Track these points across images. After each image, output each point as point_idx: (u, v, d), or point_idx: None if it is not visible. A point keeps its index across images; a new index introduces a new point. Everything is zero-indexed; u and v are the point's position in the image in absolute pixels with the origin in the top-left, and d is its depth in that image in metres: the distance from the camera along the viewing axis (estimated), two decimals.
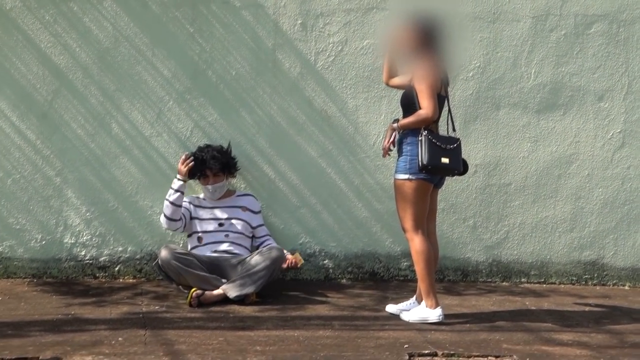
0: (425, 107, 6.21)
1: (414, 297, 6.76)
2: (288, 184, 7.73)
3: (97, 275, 7.59)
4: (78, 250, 7.57)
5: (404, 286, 7.67)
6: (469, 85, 7.86)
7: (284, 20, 7.62)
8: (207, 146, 7.21)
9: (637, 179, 8.03)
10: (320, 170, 7.74)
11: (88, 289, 7.26)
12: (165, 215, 7.06)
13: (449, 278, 7.94)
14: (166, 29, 7.52)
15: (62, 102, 7.42)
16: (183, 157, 7.05)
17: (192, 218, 7.22)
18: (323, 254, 7.85)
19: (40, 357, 5.26)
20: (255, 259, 6.88)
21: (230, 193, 7.29)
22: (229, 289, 6.75)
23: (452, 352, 5.71)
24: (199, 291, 6.69)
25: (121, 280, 7.58)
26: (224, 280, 6.90)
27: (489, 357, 5.70)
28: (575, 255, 8.03)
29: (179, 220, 7.08)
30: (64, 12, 7.35)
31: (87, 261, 7.59)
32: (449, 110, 6.62)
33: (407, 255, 7.65)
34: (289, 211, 7.76)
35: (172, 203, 6.97)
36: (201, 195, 7.32)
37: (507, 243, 7.97)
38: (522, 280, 8.01)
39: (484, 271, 7.98)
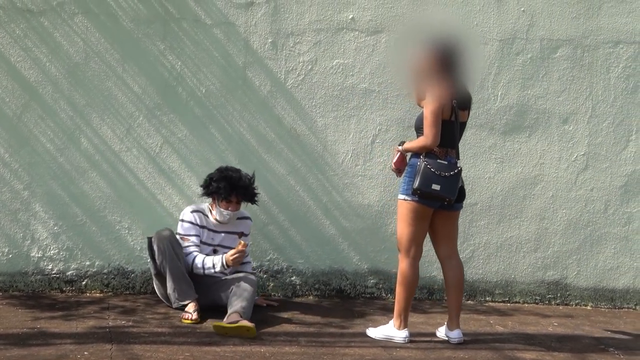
0: (426, 135, 6.23)
1: (446, 323, 6.70)
2: (259, 203, 7.60)
3: (64, 289, 7.51)
4: (45, 264, 7.50)
5: (370, 303, 7.72)
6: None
7: (255, 39, 7.64)
8: (238, 171, 7.00)
9: (600, 201, 8.10)
10: (288, 187, 7.74)
11: (55, 302, 7.19)
12: (192, 269, 6.86)
13: (415, 296, 7.70)
14: (137, 45, 7.50)
15: (32, 116, 7.37)
16: (240, 250, 6.73)
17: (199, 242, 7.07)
18: (290, 270, 7.84)
19: None
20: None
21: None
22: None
23: None
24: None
25: (88, 294, 7.51)
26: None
27: None
28: (539, 275, 8.08)
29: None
30: (35, 27, 7.34)
31: (54, 275, 7.52)
32: (459, 135, 6.55)
33: (374, 272, 7.91)
34: (257, 227, 7.65)
35: (204, 273, 6.84)
36: (207, 211, 7.07)
37: (473, 262, 7.99)
38: (487, 299, 8.05)
39: (444, 289, 7.76)
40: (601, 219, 8.12)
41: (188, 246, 6.86)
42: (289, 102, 7.74)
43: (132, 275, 7.62)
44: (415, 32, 7.69)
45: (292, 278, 7.85)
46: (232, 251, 6.68)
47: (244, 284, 6.72)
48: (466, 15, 7.86)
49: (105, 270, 7.58)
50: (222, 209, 6.84)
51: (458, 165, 6.40)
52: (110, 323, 6.57)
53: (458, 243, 7.68)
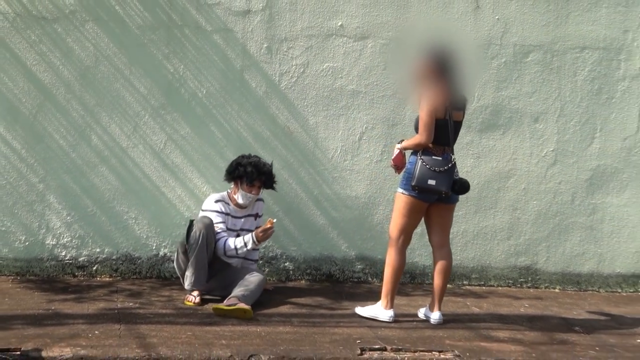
0: (420, 133, 6.31)
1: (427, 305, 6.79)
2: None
3: (76, 274, 7.52)
4: (59, 250, 7.50)
5: (357, 287, 7.75)
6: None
7: (251, 44, 7.62)
8: (259, 158, 7.06)
9: (568, 193, 8.14)
10: (282, 180, 7.61)
11: (68, 286, 7.18)
12: (225, 252, 6.81)
13: (400, 281, 7.60)
14: (143, 50, 7.48)
15: (46, 115, 7.36)
16: (269, 227, 6.74)
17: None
18: (284, 257, 7.85)
19: (22, 349, 5.28)
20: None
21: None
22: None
23: (399, 347, 5.78)
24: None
25: (98, 278, 7.51)
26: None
27: (433, 352, 5.80)
28: (512, 261, 8.11)
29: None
30: (49, 33, 7.31)
31: (67, 261, 7.53)
32: (454, 133, 6.55)
33: (361, 259, 7.92)
34: None
35: (237, 253, 6.82)
36: (227, 199, 7.01)
37: (451, 249, 7.60)
38: (464, 282, 8.07)
39: (429, 274, 7.76)
40: (568, 210, 8.16)
41: (218, 232, 6.83)
42: (283, 103, 7.72)
43: (139, 261, 7.61)
44: (398, 38, 7.81)
45: (286, 264, 7.85)
46: (262, 227, 6.72)
47: (250, 278, 6.74)
48: (445, 23, 7.84)
49: (114, 257, 7.59)
50: (246, 192, 6.85)
51: (452, 160, 6.43)
52: (118, 305, 6.61)
53: None
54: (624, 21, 8.12)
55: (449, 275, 6.78)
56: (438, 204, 6.52)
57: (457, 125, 6.60)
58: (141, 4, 7.41)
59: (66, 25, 7.35)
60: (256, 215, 7.09)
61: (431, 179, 6.28)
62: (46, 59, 7.34)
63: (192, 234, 6.63)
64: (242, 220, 6.98)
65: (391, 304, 6.62)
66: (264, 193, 7.23)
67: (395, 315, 6.58)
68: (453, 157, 6.52)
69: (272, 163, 7.10)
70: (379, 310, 6.62)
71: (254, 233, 6.72)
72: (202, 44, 7.57)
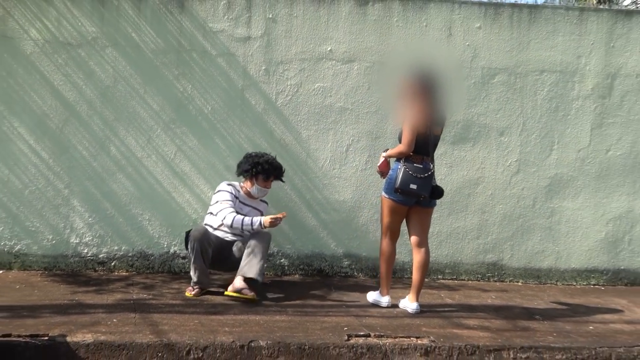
0: (403, 143, 6.45)
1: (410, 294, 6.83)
2: None
3: (97, 269, 7.60)
4: (81, 248, 7.58)
5: (344, 281, 7.79)
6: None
7: (251, 67, 7.68)
8: (270, 155, 7.12)
9: (529, 198, 8.15)
10: (278, 186, 7.54)
11: (89, 280, 7.25)
12: (230, 224, 6.82)
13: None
14: (156, 72, 7.55)
15: (71, 128, 7.45)
16: (279, 217, 6.75)
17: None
18: (280, 254, 7.89)
19: (50, 334, 5.35)
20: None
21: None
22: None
23: (382, 334, 5.85)
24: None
25: (116, 273, 7.59)
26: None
27: (411, 338, 5.82)
28: (480, 258, 8.16)
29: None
30: (74, 57, 7.40)
31: (89, 257, 7.61)
32: (433, 145, 6.65)
33: (348, 256, 7.92)
34: None
35: (242, 229, 6.87)
36: (237, 187, 7.09)
37: (428, 247, 7.63)
38: (439, 277, 8.10)
39: (408, 270, 7.86)
40: (530, 213, 8.17)
41: (225, 208, 6.84)
42: (279, 118, 7.77)
43: (152, 257, 7.68)
44: (381, 61, 7.85)
45: (282, 260, 7.91)
46: (274, 215, 6.72)
47: (253, 242, 6.75)
48: (422, 48, 7.86)
49: (130, 254, 7.66)
50: (261, 187, 6.95)
51: (431, 168, 6.55)
52: (134, 296, 6.66)
53: None
54: (577, 48, 8.11)
55: (427, 270, 6.78)
56: (417, 208, 6.62)
57: (436, 138, 6.69)
58: (154, 30, 7.47)
59: (88, 50, 7.43)
60: (261, 213, 7.07)
61: (413, 183, 6.41)
62: (71, 79, 7.42)
63: (190, 244, 6.70)
64: (249, 208, 7.01)
65: (387, 291, 6.81)
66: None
67: (373, 306, 6.72)
68: (432, 166, 6.60)
69: (275, 157, 7.17)
70: (378, 297, 6.83)
71: (263, 218, 6.71)
72: (208, 66, 7.62)
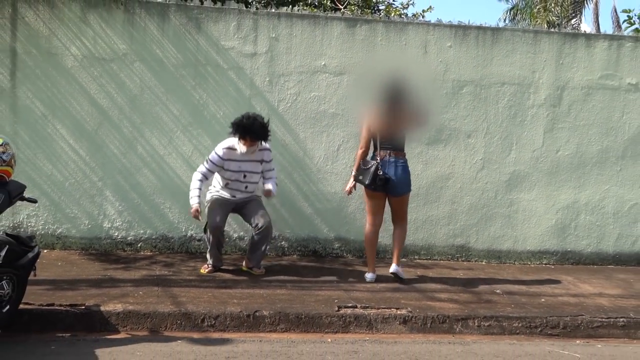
0: (360, 145, 6.97)
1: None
2: (257, 190, 7.44)
3: (125, 249, 7.60)
4: (113, 231, 7.59)
5: (335, 261, 7.78)
6: None
7: (257, 78, 7.66)
8: (254, 119, 6.62)
9: (492, 191, 8.17)
10: (280, 180, 7.50)
11: (119, 258, 7.28)
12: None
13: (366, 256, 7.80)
14: (176, 82, 7.53)
15: (104, 130, 7.44)
16: (194, 214, 6.66)
17: (224, 170, 6.74)
18: (281, 237, 7.87)
19: (86, 304, 5.45)
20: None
21: (255, 149, 6.78)
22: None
23: (367, 305, 5.93)
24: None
25: (142, 253, 7.58)
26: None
27: (392, 309, 5.92)
28: (451, 241, 8.17)
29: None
30: (107, 70, 7.40)
31: (119, 239, 7.61)
32: (387, 142, 6.85)
33: (338, 239, 7.96)
34: None
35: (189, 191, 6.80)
36: (236, 147, 6.72)
37: (407, 231, 7.55)
38: (415, 257, 8.08)
39: (390, 251, 7.71)
40: (492, 203, 8.19)
41: (203, 169, 6.76)
42: (281, 122, 7.73)
43: (172, 240, 7.67)
44: (367, 74, 7.80)
45: (282, 242, 7.89)
46: (194, 212, 6.61)
47: (258, 239, 6.79)
48: (402, 64, 7.75)
49: (153, 237, 7.66)
50: (241, 145, 6.60)
51: (374, 162, 6.76)
52: (157, 273, 6.72)
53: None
54: (532, 64, 8.14)
55: (403, 241, 7.03)
56: (390, 196, 6.89)
57: (395, 136, 6.84)
58: (175, 48, 7.46)
59: (119, 64, 7.43)
60: (262, 161, 6.81)
61: (360, 175, 6.84)
62: (104, 89, 7.41)
63: (207, 235, 6.86)
64: (248, 163, 6.70)
65: (372, 268, 6.96)
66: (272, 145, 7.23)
67: (359, 282, 6.79)
68: (377, 160, 6.76)
69: (267, 120, 6.74)
70: (367, 274, 6.99)
71: (194, 206, 6.64)
72: (220, 78, 7.61)
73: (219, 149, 6.75)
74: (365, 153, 6.89)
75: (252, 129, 6.56)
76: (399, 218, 7.06)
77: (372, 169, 6.71)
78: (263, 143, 6.83)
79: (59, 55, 7.37)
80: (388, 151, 6.79)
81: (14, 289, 5.17)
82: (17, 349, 4.90)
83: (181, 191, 7.58)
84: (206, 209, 6.92)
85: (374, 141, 6.86)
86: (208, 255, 6.93)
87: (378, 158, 6.77)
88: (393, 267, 6.93)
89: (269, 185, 6.93)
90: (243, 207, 6.94)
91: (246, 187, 6.84)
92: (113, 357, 4.78)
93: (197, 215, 6.65)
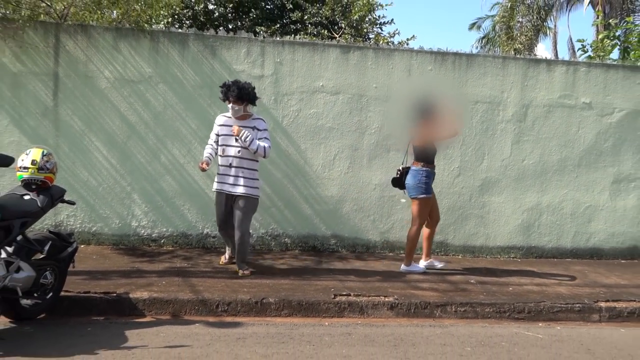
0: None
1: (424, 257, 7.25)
2: (265, 194, 7.52)
3: (150, 245, 7.62)
4: (139, 229, 7.61)
5: (331, 255, 7.75)
6: (372, 138, 7.91)
7: (264, 97, 7.61)
8: (236, 82, 6.36)
9: (467, 194, 8.17)
10: (283, 185, 7.75)
11: (145, 252, 7.32)
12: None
13: (359, 250, 7.99)
14: (194, 101, 7.55)
15: (132, 142, 7.47)
16: (202, 165, 6.36)
17: (220, 135, 6.43)
18: (284, 234, 7.87)
19: (117, 292, 5.50)
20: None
21: (247, 116, 6.38)
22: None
23: (359, 294, 5.96)
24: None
25: (164, 248, 7.60)
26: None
27: (380, 297, 5.93)
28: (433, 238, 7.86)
29: (211, 162, 6.51)
30: (135, 90, 7.43)
31: (145, 236, 7.64)
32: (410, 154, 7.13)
33: (334, 236, 7.99)
34: (265, 209, 7.64)
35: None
36: (228, 114, 6.43)
37: (393, 230, 8.03)
38: (401, 252, 7.91)
39: (378, 246, 8.03)
40: (467, 205, 8.20)
41: (209, 140, 6.61)
42: (284, 135, 7.76)
43: (190, 237, 7.67)
44: (359, 93, 7.85)
45: (285, 239, 7.88)
46: (200, 164, 6.35)
47: (237, 247, 6.45)
48: (388, 84, 7.90)
49: (174, 234, 7.67)
50: (229, 106, 6.32)
51: (399, 169, 7.12)
52: (177, 265, 6.75)
53: (384, 219, 7.92)
54: (501, 85, 8.16)
55: (408, 241, 7.06)
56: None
57: (413, 148, 7.06)
58: (193, 71, 7.50)
59: (146, 85, 7.46)
60: (254, 128, 6.34)
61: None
62: (133, 107, 7.45)
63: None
64: (242, 129, 6.26)
65: (411, 261, 7.13)
66: (268, 118, 7.36)
67: (353, 273, 6.74)
68: (401, 167, 7.10)
69: (251, 86, 6.43)
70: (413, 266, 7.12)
71: (204, 160, 6.42)
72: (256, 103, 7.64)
73: (217, 117, 6.64)
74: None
75: (232, 89, 6.27)
76: (413, 218, 7.11)
77: (398, 175, 7.16)
78: (251, 109, 6.55)
79: (94, 78, 7.41)
80: (413, 160, 7.07)
81: (56, 279, 5.27)
82: (58, 330, 4.96)
83: (198, 194, 7.65)
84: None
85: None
86: (225, 248, 6.97)
87: (400, 167, 7.22)
88: (422, 264, 7.26)
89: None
90: (233, 206, 6.45)
91: (239, 152, 6.35)
92: (140, 338, 4.83)
93: (202, 167, 6.37)
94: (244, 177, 6.38)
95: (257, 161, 6.51)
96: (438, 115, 6.97)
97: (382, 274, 6.88)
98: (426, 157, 6.95)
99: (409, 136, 7.19)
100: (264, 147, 6.36)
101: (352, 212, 7.97)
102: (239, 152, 6.36)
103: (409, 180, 6.96)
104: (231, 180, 6.39)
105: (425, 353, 4.84)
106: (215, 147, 6.55)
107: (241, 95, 6.28)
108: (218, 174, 6.49)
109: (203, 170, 6.42)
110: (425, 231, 7.20)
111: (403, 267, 7.09)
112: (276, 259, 7.36)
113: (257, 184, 6.51)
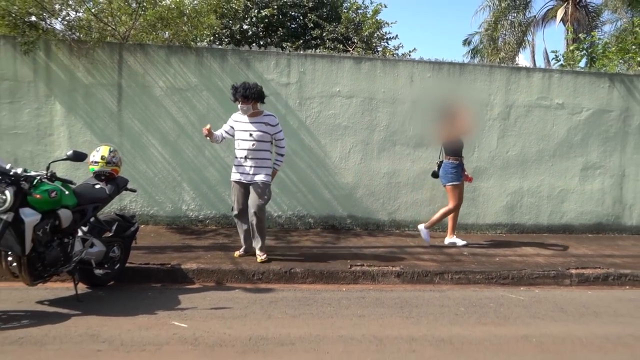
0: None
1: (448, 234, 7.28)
2: (292, 181, 7.70)
3: (197, 225, 7.65)
4: (188, 212, 7.63)
5: (347, 233, 7.72)
6: (380, 134, 7.86)
7: (290, 101, 7.66)
8: (243, 84, 5.90)
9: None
10: (307, 174, 7.73)
11: (193, 231, 7.34)
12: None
13: (370, 228, 7.95)
14: (232, 105, 6.94)
15: (182, 140, 7.48)
16: (205, 128, 5.94)
17: (235, 130, 6.00)
18: (308, 215, 7.83)
19: (171, 264, 5.56)
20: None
21: (258, 113, 5.94)
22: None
23: (371, 264, 5.97)
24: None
25: (209, 227, 7.61)
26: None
27: (389, 266, 5.95)
28: (431, 217, 7.60)
29: (218, 140, 6.08)
30: (183, 97, 7.44)
31: (193, 218, 7.65)
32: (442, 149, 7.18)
33: (350, 217, 7.92)
34: (292, 194, 7.70)
35: (214, 140, 6.04)
36: (239, 113, 5.97)
37: (399, 211, 7.98)
38: (405, 229, 8.00)
39: (387, 225, 7.99)
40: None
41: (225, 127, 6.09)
42: (307, 132, 7.75)
43: (230, 218, 7.54)
44: (369, 97, 7.80)
45: (309, 219, 7.86)
46: (204, 129, 5.90)
47: (253, 226, 5.95)
48: (394, 89, 7.83)
49: (217, 215, 7.69)
50: (239, 106, 5.89)
51: (437, 163, 7.22)
52: (220, 241, 6.78)
53: (391, 201, 7.75)
54: (488, 89, 8.08)
55: (448, 214, 7.16)
56: None
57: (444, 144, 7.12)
58: (231, 80, 7.39)
59: (192, 92, 7.48)
60: (267, 124, 5.91)
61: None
62: (181, 110, 7.47)
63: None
64: (252, 124, 5.86)
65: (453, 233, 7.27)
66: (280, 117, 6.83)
67: (366, 247, 6.71)
68: (439, 159, 7.18)
69: (258, 86, 5.92)
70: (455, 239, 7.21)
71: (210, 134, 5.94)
72: (265, 101, 7.51)
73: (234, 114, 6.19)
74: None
75: (239, 89, 5.84)
76: (448, 200, 7.17)
77: (438, 166, 7.21)
78: (260, 106, 6.03)
79: (151, 87, 7.44)
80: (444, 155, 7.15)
81: (122, 253, 5.34)
82: (124, 295, 5.02)
83: None
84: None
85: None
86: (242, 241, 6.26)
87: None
88: (446, 240, 7.29)
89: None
90: (249, 194, 6.00)
91: (253, 145, 5.89)
92: (191, 301, 4.88)
93: (205, 130, 5.92)
94: (258, 167, 5.91)
95: (269, 151, 6.04)
96: (457, 116, 7.06)
97: (390, 248, 6.86)
98: (453, 152, 7.02)
99: (439, 136, 7.25)
100: (284, 147, 6.09)
101: (365, 196, 7.95)
102: (253, 145, 5.90)
103: (441, 171, 7.06)
104: (247, 169, 5.92)
105: (426, 313, 4.86)
106: (225, 134, 6.12)
107: (247, 94, 5.83)
108: (235, 165, 6.02)
109: (205, 133, 5.94)
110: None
111: (452, 240, 7.25)
112: (301, 236, 7.35)
113: (269, 172, 6.01)
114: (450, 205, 7.06)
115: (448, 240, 7.22)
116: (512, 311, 5.06)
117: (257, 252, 6.02)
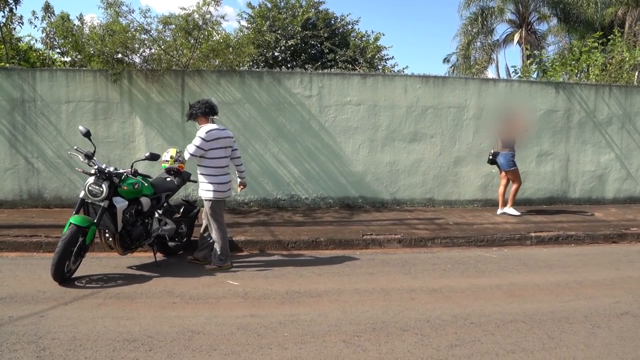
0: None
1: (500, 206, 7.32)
2: (315, 171, 7.60)
3: (243, 207, 7.59)
4: (237, 197, 7.55)
5: (359, 210, 7.54)
6: (382, 133, 7.75)
7: (312, 108, 7.56)
8: (198, 102, 4.65)
9: (445, 167, 7.91)
10: (326, 165, 7.62)
11: (240, 212, 7.30)
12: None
13: (377, 206, 7.85)
14: (268, 113, 7.46)
15: (241, 141, 7.46)
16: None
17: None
18: (328, 197, 7.73)
19: (234, 239, 5.25)
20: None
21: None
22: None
23: (378, 234, 5.92)
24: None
25: (253, 209, 7.53)
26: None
27: (391, 235, 5.89)
28: (424, 195, 7.93)
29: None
30: (232, 109, 7.38)
31: (240, 201, 7.59)
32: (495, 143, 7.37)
33: (361, 197, 7.80)
34: (315, 180, 7.61)
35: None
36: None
37: (399, 192, 7.86)
38: (404, 206, 7.88)
39: (389, 203, 7.88)
40: (446, 174, 7.96)
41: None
42: (326, 133, 7.63)
43: (269, 200, 7.60)
44: (374, 104, 7.68)
45: (329, 200, 7.74)
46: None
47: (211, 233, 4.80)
48: (392, 97, 7.71)
49: (258, 199, 7.62)
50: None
51: (491, 152, 7.29)
52: (261, 219, 6.76)
53: (392, 184, 7.60)
54: (465, 95, 7.89)
55: (514, 193, 7.24)
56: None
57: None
58: (266, 94, 7.41)
59: (237, 105, 7.43)
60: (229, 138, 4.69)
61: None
62: (231, 120, 7.42)
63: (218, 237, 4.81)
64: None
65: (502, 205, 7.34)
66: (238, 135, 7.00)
67: (379, 221, 6.60)
68: (493, 150, 7.27)
69: (198, 103, 4.60)
70: (512, 210, 7.21)
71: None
72: (292, 110, 7.52)
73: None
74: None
75: (190, 105, 4.71)
76: (510, 180, 7.26)
77: (493, 155, 7.28)
78: (211, 120, 4.66)
79: (226, 103, 7.43)
80: (501, 146, 7.22)
81: (188, 229, 5.39)
82: (189, 263, 5.06)
83: (272, 173, 7.60)
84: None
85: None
86: (223, 257, 4.68)
87: (492, 149, 7.42)
88: (499, 211, 7.31)
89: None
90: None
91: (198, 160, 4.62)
92: (241, 265, 4.91)
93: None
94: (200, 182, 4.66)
95: (201, 165, 4.62)
96: (516, 120, 7.26)
97: (393, 220, 6.78)
98: (509, 144, 7.16)
99: (498, 133, 7.38)
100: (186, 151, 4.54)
101: (372, 181, 7.88)
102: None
103: (501, 160, 7.12)
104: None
105: (422, 270, 4.84)
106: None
107: (188, 114, 4.67)
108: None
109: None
110: (500, 190, 7.36)
111: (508, 210, 7.26)
112: (324, 214, 7.27)
113: (207, 187, 4.62)
114: (516, 184, 7.19)
115: (507, 210, 7.28)
116: (487, 266, 5.03)
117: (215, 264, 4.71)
